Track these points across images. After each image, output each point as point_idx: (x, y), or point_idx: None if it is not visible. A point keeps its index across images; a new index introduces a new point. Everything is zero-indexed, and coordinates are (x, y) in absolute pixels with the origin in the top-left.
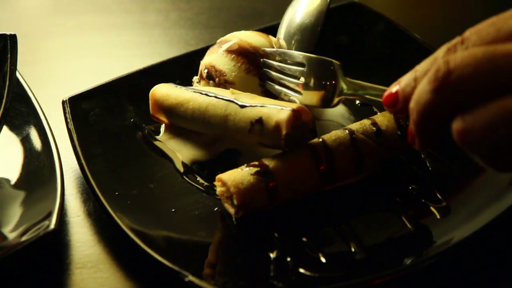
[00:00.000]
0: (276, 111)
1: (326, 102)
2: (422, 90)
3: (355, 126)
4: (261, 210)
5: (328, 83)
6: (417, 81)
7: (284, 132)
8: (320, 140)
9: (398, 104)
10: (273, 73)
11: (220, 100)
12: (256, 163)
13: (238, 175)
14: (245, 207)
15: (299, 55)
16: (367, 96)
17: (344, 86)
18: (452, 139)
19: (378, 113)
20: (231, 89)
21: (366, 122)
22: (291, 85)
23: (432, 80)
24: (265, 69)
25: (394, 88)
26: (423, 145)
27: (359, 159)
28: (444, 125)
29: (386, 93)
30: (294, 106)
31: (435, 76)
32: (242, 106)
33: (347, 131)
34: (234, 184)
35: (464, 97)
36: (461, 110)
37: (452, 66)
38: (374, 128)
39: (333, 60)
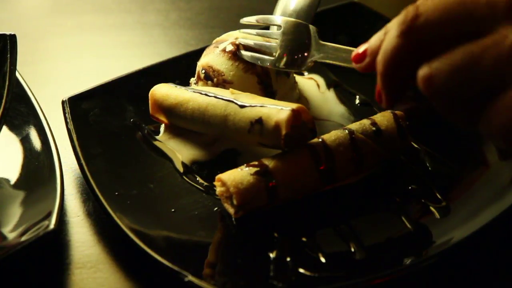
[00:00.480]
0: (275, 111)
1: (298, 65)
2: (389, 36)
3: (354, 126)
4: (261, 210)
5: (300, 45)
6: (385, 35)
7: (283, 132)
8: (320, 140)
9: (366, 59)
10: (248, 40)
11: (220, 100)
12: (256, 163)
13: (238, 175)
14: (244, 207)
15: (276, 18)
16: (338, 61)
17: (316, 50)
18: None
19: (378, 113)
20: (230, 89)
21: (365, 122)
22: (265, 49)
23: (400, 23)
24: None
25: (364, 45)
26: (389, 100)
27: (358, 159)
28: (410, 77)
29: (355, 50)
30: (294, 106)
31: (403, 18)
32: (242, 106)
33: (346, 131)
34: (233, 184)
35: (431, 42)
36: (427, 59)
37: (422, 9)
38: (374, 128)
39: (309, 24)
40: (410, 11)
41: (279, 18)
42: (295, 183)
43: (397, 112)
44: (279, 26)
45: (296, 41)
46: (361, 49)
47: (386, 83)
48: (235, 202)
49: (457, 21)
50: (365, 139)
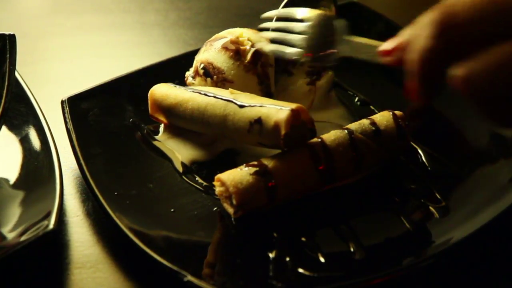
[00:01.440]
0: (275, 111)
1: (324, 60)
2: (424, 36)
3: (354, 126)
4: (260, 210)
5: (327, 39)
6: (416, 30)
7: (283, 132)
8: (319, 140)
9: (394, 52)
10: (272, 33)
11: (219, 100)
12: (255, 163)
13: (237, 175)
14: (244, 207)
15: (299, 11)
16: (366, 55)
17: (343, 44)
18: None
19: (377, 113)
20: (230, 89)
21: (365, 122)
22: (291, 41)
23: (435, 23)
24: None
25: (393, 41)
26: (428, 98)
27: (358, 159)
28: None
29: (384, 45)
30: (293, 106)
31: (439, 18)
32: (241, 106)
33: (346, 131)
34: (233, 184)
35: (466, 41)
36: (459, 57)
37: (457, 9)
38: (373, 128)
39: (338, 18)
40: (445, 11)
41: (303, 10)
42: (295, 183)
43: (396, 112)
44: (301, 20)
45: (322, 35)
46: (390, 44)
47: (423, 82)
48: (234, 202)
49: (493, 21)
50: (365, 139)
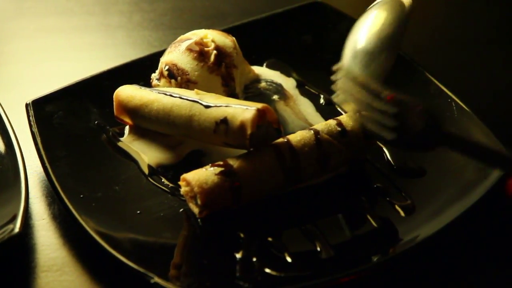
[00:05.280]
0: (241, 111)
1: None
2: None
3: (320, 126)
4: (226, 211)
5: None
6: None
7: (249, 131)
8: (285, 140)
9: None
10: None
11: (185, 100)
12: (221, 163)
13: (203, 175)
14: (209, 207)
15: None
16: None
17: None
18: None
19: (344, 114)
20: (195, 89)
21: (331, 123)
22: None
23: None
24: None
25: None
26: None
27: (324, 159)
28: None
29: None
30: (259, 105)
31: None
32: (207, 106)
33: (312, 131)
34: (198, 184)
35: None
36: None
37: None
38: (339, 129)
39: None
40: None
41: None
42: (260, 183)
43: (363, 112)
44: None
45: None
46: None
47: None
48: (199, 201)
49: None
50: (330, 140)
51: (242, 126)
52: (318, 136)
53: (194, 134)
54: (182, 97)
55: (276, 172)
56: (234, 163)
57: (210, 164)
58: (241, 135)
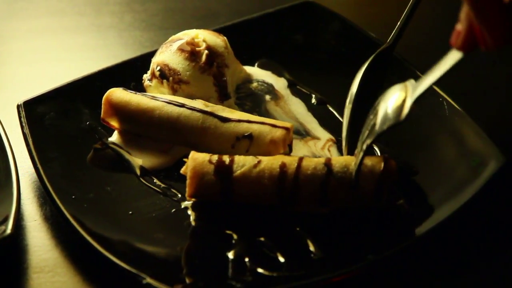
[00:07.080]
0: (268, 129)
1: None
2: None
3: (337, 165)
4: (218, 211)
5: None
6: None
7: (281, 150)
8: (295, 165)
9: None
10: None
11: (194, 112)
12: (227, 163)
13: (204, 168)
14: (197, 197)
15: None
16: None
17: None
18: None
19: (374, 157)
20: (201, 100)
21: (350, 167)
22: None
23: None
24: None
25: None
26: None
27: (322, 201)
28: None
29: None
30: (287, 124)
31: None
32: (224, 120)
33: (326, 169)
34: (195, 175)
35: None
36: None
37: None
38: (353, 180)
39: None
40: None
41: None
42: (253, 198)
43: (390, 163)
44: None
45: None
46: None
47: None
48: (187, 193)
49: None
50: (338, 189)
51: (272, 143)
52: (330, 176)
53: (203, 146)
54: (191, 107)
55: (271, 195)
56: (236, 169)
57: (217, 156)
58: (266, 153)
